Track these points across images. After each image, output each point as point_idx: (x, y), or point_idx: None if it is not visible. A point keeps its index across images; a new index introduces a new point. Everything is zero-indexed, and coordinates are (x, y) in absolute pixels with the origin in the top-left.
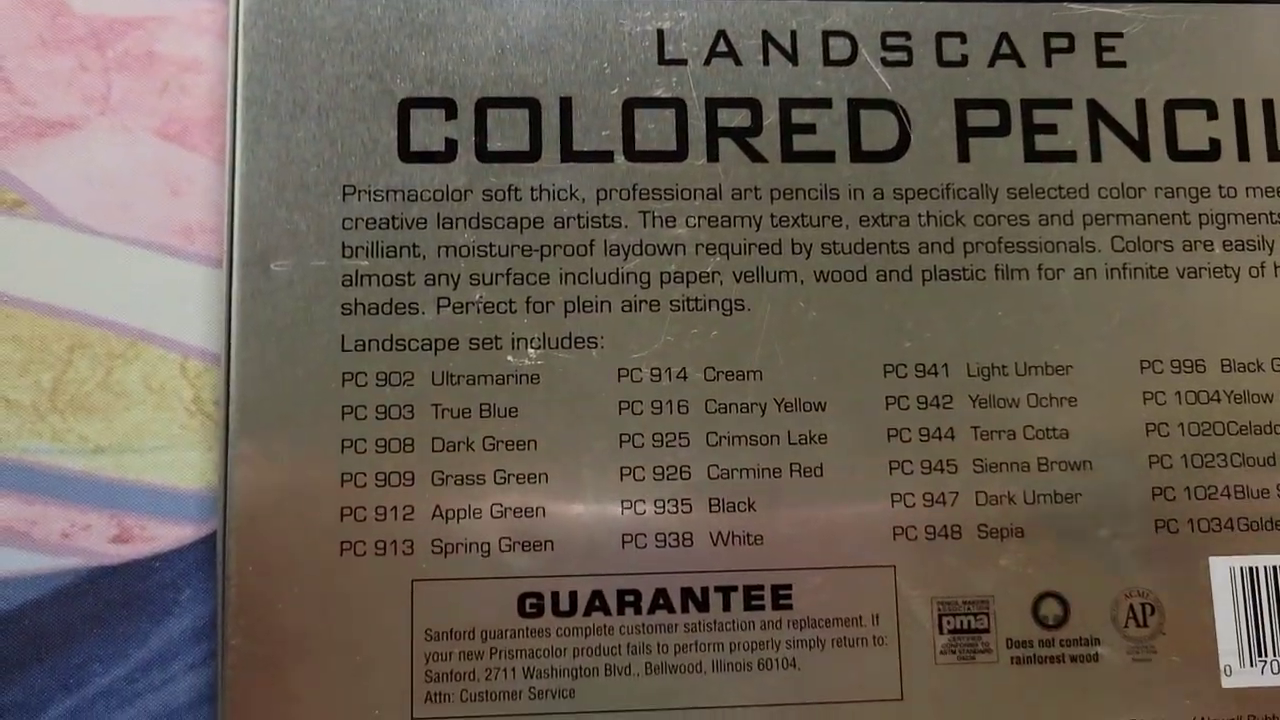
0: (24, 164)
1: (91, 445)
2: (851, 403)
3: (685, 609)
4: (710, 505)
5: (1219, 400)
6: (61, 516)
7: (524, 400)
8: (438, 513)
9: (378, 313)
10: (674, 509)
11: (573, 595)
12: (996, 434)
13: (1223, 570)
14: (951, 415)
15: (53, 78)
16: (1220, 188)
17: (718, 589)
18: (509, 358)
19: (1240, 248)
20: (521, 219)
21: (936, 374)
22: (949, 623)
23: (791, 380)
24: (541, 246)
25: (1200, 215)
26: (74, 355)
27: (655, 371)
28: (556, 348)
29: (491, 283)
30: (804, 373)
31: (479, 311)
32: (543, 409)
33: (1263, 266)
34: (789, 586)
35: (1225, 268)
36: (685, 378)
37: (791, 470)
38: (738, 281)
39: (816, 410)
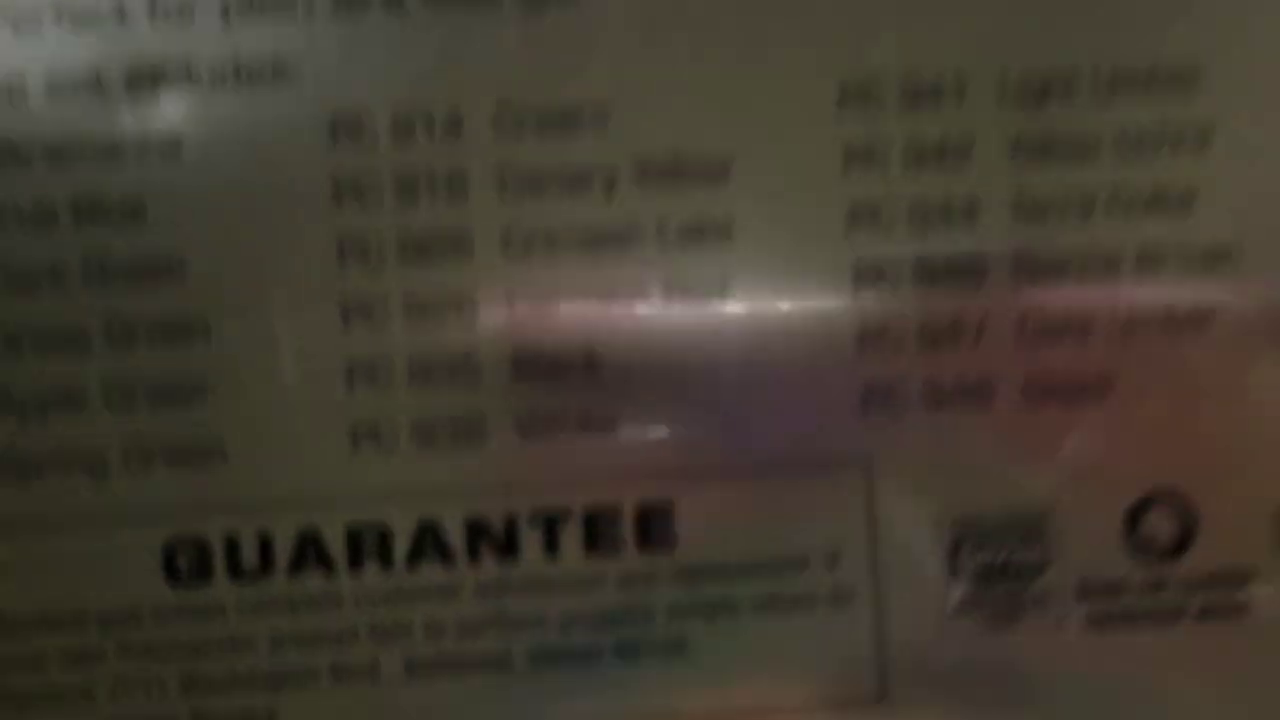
0: None
1: None
2: (780, 158)
3: (474, 553)
4: (516, 364)
5: None
6: None
7: None
8: None
9: None
10: (458, 375)
11: (263, 541)
12: (1052, 192)
13: None
14: (972, 167)
15: None
16: None
17: (535, 516)
18: None
19: None
20: None
21: (940, 96)
22: (973, 559)
23: (653, 126)
24: None
25: None
26: None
27: None
28: None
29: None
30: (682, 113)
31: None
32: None
33: None
34: (668, 506)
35: None
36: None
37: (672, 283)
38: None
39: (714, 177)
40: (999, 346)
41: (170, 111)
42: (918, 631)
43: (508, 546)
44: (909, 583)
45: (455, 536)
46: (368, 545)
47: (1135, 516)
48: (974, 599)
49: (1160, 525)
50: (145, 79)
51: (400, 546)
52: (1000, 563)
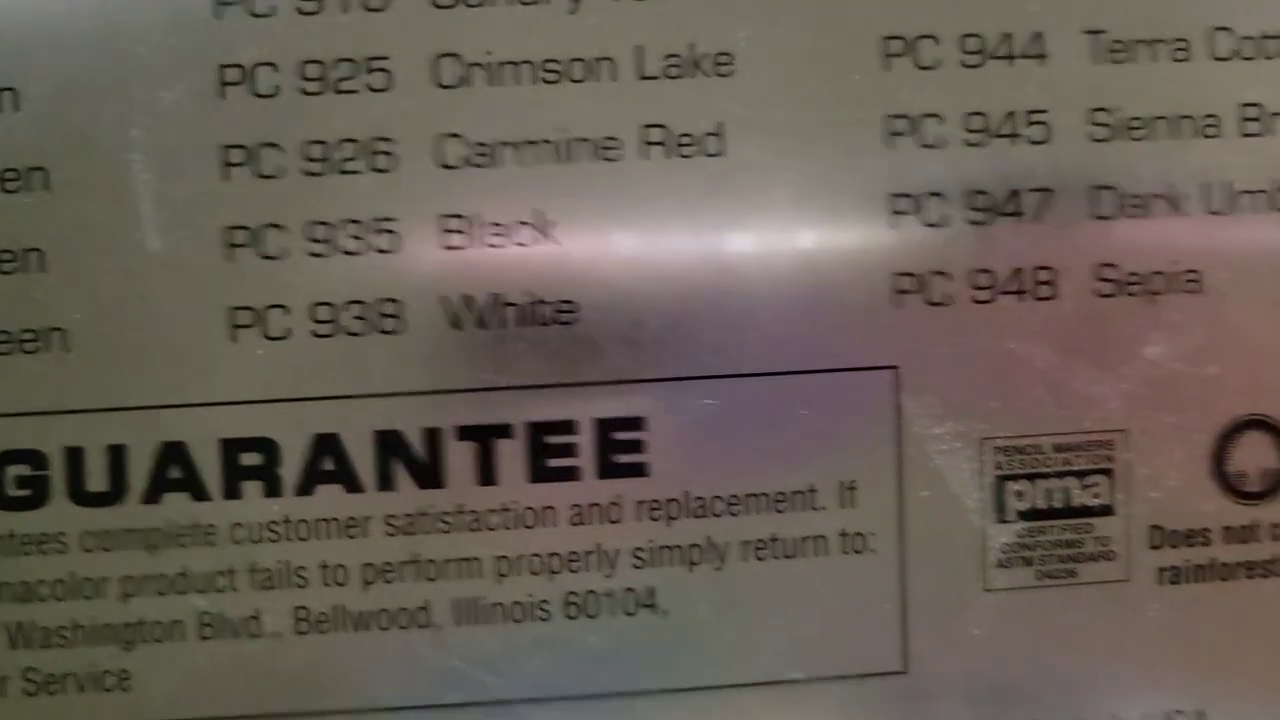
0: None
1: None
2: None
3: (385, 478)
4: (446, 227)
5: None
6: None
7: None
8: None
9: None
10: (374, 241)
11: (115, 456)
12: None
13: None
14: None
15: None
16: None
17: (466, 431)
18: None
19: None
20: None
21: None
22: (1018, 498)
23: None
24: None
25: None
26: None
27: None
28: None
29: None
30: None
31: None
32: None
33: None
34: (636, 423)
35: None
36: None
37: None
38: None
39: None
40: (1065, 222)
41: None
42: (949, 588)
43: (430, 469)
44: (941, 526)
45: (361, 455)
46: (248, 464)
47: (1223, 446)
48: (1018, 550)
49: (1254, 458)
50: None
51: (290, 467)
52: (1052, 508)
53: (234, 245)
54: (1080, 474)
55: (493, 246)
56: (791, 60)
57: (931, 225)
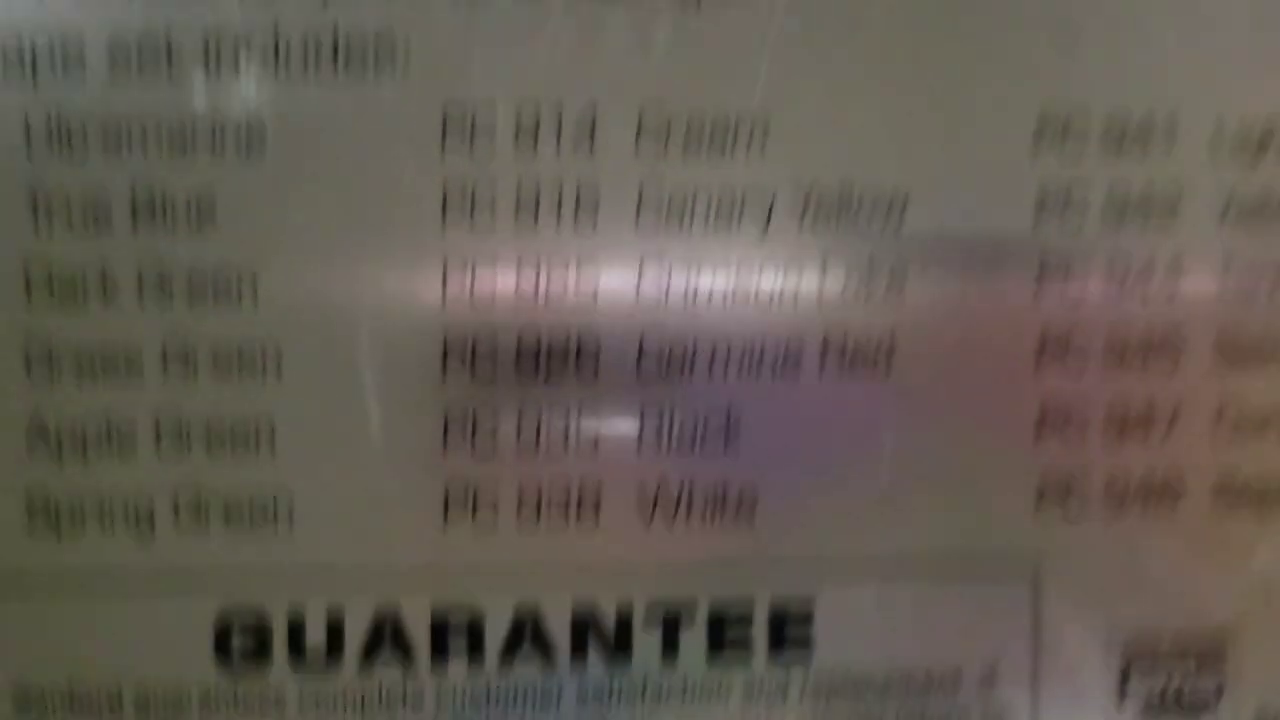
0: None
1: None
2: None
3: (579, 652)
4: (643, 429)
5: None
6: None
7: None
8: None
9: None
10: (575, 438)
11: (333, 621)
12: (1264, 258)
13: None
14: (1180, 224)
15: None
16: None
17: (653, 610)
18: None
19: None
20: None
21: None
22: (1143, 684)
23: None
24: None
25: None
26: None
27: None
28: None
29: None
30: (852, 135)
31: None
32: None
33: None
34: (806, 616)
35: None
36: None
37: (830, 341)
38: None
39: (886, 214)
40: (1193, 437)
41: (252, 95)
42: None
43: (619, 645)
44: (1071, 707)
45: (559, 630)
46: (455, 633)
47: None
48: None
49: None
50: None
51: (493, 637)
52: (1173, 689)
53: (449, 436)
54: (1197, 664)
55: None
56: None
57: (1073, 440)
